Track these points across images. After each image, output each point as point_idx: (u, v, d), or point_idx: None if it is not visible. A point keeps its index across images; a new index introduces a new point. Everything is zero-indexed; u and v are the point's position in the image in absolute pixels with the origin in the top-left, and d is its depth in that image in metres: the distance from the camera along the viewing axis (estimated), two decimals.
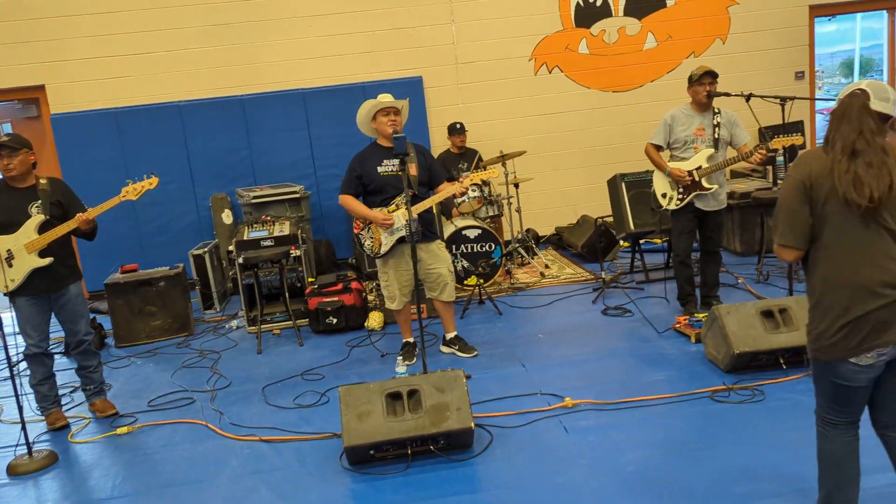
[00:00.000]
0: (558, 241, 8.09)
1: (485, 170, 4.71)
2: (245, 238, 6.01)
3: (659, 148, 5.13)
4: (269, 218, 6.48)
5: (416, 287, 4.34)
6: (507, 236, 7.60)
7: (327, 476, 3.55)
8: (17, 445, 4.03)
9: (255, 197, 7.05)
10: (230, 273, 7.18)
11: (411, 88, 7.78)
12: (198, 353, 5.63)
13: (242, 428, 4.18)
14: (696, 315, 4.99)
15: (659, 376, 4.33)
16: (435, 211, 5.05)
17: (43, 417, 4.46)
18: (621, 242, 7.25)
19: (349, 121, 7.74)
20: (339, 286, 5.88)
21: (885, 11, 9.25)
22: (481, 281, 6.30)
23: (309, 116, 7.89)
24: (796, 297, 4.38)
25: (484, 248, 6.54)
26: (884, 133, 2.37)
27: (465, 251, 6.51)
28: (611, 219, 6.94)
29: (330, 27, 7.88)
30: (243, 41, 7.78)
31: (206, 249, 6.79)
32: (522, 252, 7.33)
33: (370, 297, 6.22)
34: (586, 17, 8.23)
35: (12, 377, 3.97)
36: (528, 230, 7.72)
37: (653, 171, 5.37)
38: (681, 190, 5.02)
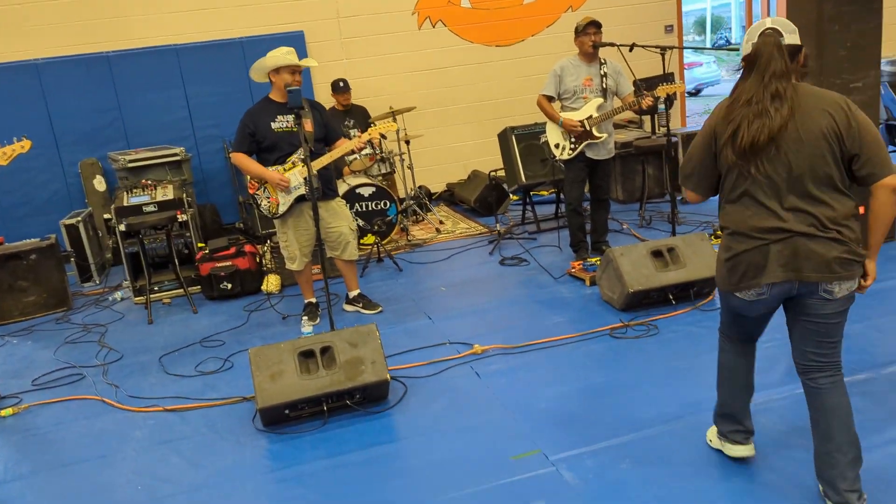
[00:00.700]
0: (450, 197, 8.17)
1: (375, 126, 4.65)
2: (125, 204, 5.65)
3: (550, 99, 5.25)
4: (149, 182, 6.12)
5: (319, 246, 4.25)
6: (400, 193, 7.58)
7: (241, 439, 3.46)
8: None
9: (130, 161, 6.62)
10: (109, 242, 6.75)
11: (293, 43, 7.41)
12: (81, 328, 5.28)
13: (142, 399, 3.99)
14: (588, 260, 5.21)
15: (560, 319, 4.50)
16: (331, 168, 4.94)
17: None
18: (512, 195, 7.41)
19: (228, 78, 7.46)
20: (232, 250, 5.67)
21: None
22: (378, 239, 6.27)
23: (184, 74, 7.46)
24: (682, 236, 4.65)
25: (379, 206, 6.49)
26: (790, 74, 2.39)
27: (359, 210, 6.44)
28: (501, 172, 7.07)
29: None
30: None
31: (79, 219, 6.33)
32: (417, 209, 7.34)
33: (266, 261, 6.05)
34: None
35: None
36: (420, 187, 7.73)
37: (543, 124, 5.50)
38: (573, 140, 5.18)
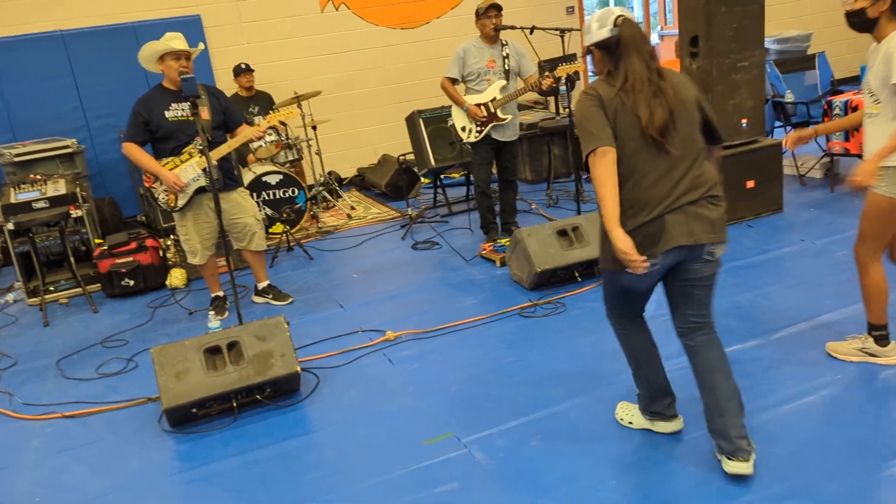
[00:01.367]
0: (361, 181, 8.10)
1: (277, 111, 4.55)
2: (13, 201, 5.34)
3: (454, 81, 5.26)
4: (39, 177, 5.79)
5: (222, 238, 4.14)
6: (309, 180, 7.46)
7: (147, 442, 3.36)
8: None
9: (17, 155, 6.24)
10: None
11: (189, 28, 7.20)
12: None
13: (39, 407, 3.80)
14: (498, 241, 5.29)
15: (471, 301, 4.55)
16: (233, 158, 4.80)
17: None
18: (423, 179, 7.41)
19: (122, 65, 7.11)
20: (133, 245, 5.45)
21: None
22: (287, 227, 6.16)
23: (72, 61, 7.07)
24: (586, 214, 4.78)
25: (287, 194, 6.37)
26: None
27: (267, 198, 6.31)
28: (411, 156, 7.06)
29: None
30: None
31: None
32: (327, 195, 7.25)
33: (169, 255, 5.85)
34: None
35: None
36: (330, 173, 7.63)
37: (450, 107, 5.51)
38: (478, 122, 5.21)
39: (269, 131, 6.36)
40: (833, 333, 3.55)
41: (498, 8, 5.13)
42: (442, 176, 6.93)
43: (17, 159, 6.22)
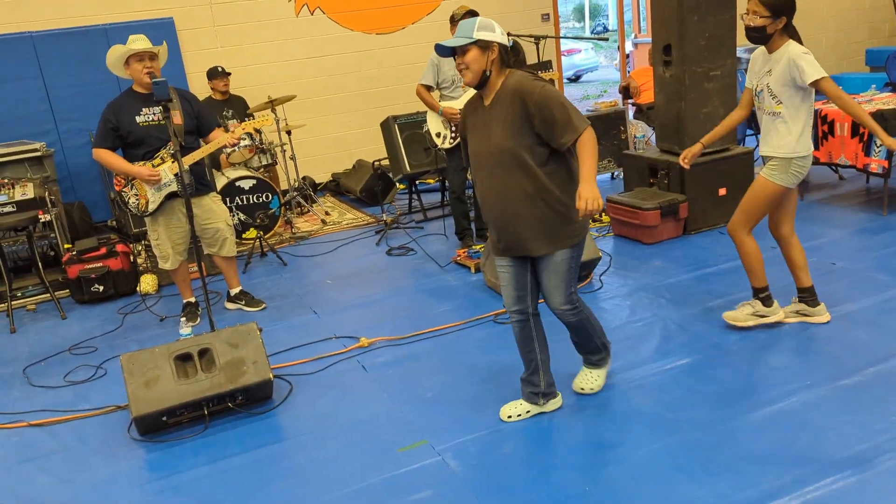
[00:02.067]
0: (336, 187, 8.06)
1: (253, 118, 4.52)
2: None
3: (429, 88, 5.26)
4: (6, 181, 5.68)
5: (194, 244, 4.09)
6: (283, 185, 7.41)
7: (116, 451, 3.30)
8: None
9: None
10: None
11: (162, 31, 7.16)
12: None
13: (4, 415, 3.72)
14: (473, 247, 5.29)
15: (446, 307, 4.55)
16: (207, 162, 4.75)
17: None
18: (398, 185, 7.40)
19: (92, 68, 7.02)
20: (103, 250, 5.37)
21: None
22: (261, 233, 6.11)
23: (41, 63, 6.97)
24: None
25: (261, 199, 6.32)
26: None
27: (240, 203, 6.25)
28: (387, 162, 7.04)
29: None
30: None
31: None
32: (301, 200, 7.20)
33: (140, 260, 5.77)
34: None
35: None
36: (304, 178, 7.59)
37: (425, 113, 5.51)
38: (454, 128, 5.22)
39: (243, 136, 6.30)
40: (800, 340, 3.61)
41: (473, 14, 5.14)
42: (417, 182, 6.92)
43: None
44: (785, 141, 3.46)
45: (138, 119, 4.26)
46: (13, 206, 5.32)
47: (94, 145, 4.32)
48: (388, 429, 3.24)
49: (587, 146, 2.72)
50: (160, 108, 3.82)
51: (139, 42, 4.20)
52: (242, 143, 6.34)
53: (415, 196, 6.88)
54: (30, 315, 5.24)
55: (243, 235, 6.18)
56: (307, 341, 4.24)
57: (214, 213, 4.54)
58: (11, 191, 5.48)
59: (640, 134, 6.28)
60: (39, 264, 5.37)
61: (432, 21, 8.46)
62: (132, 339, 4.57)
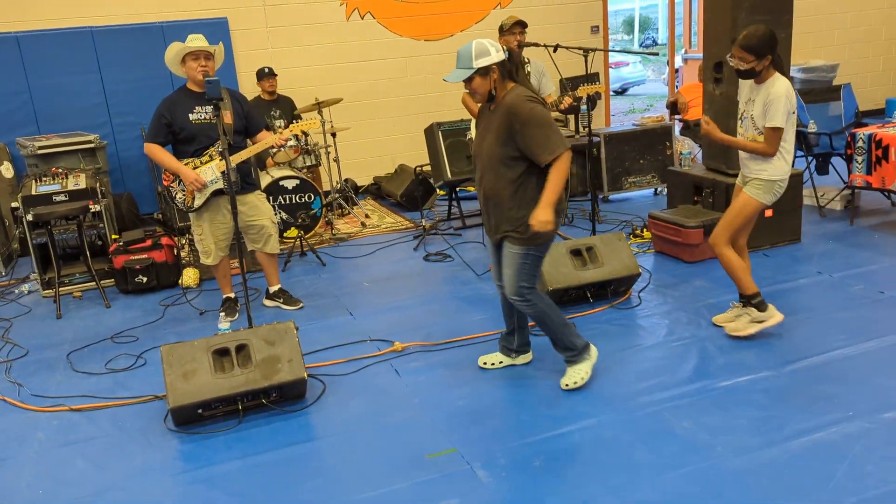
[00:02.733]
0: (377, 190, 8.12)
1: (300, 119, 4.58)
2: (34, 193, 5.39)
3: None
4: (60, 170, 5.85)
5: (236, 241, 4.15)
6: (325, 187, 7.49)
7: (152, 440, 3.37)
8: None
9: (41, 147, 6.32)
10: (16, 232, 6.43)
11: (216, 30, 7.32)
12: None
13: (47, 399, 3.83)
14: None
15: (480, 316, 4.54)
16: (252, 161, 4.83)
17: None
18: (438, 191, 7.42)
19: (148, 64, 7.19)
20: (148, 242, 5.49)
21: None
22: (302, 232, 6.18)
23: (100, 58, 7.16)
24: (600, 235, 4.76)
25: (303, 199, 6.40)
26: None
27: (283, 202, 6.33)
28: (428, 167, 7.07)
29: None
30: None
31: None
32: (342, 202, 7.27)
33: (183, 254, 5.89)
34: None
35: None
36: (346, 180, 7.66)
37: (469, 121, 5.52)
38: None
39: (290, 137, 6.38)
40: (844, 369, 3.51)
41: (523, 25, 5.15)
42: (457, 189, 6.93)
43: (39, 152, 6.30)
44: (767, 165, 3.71)
45: (191, 117, 4.35)
46: (65, 196, 5.47)
47: (146, 139, 4.42)
48: (417, 434, 3.25)
49: (556, 171, 3.16)
50: (212, 106, 3.89)
51: (197, 41, 4.30)
52: (288, 143, 6.43)
53: (454, 203, 6.89)
54: (75, 302, 5.38)
55: (284, 234, 6.26)
56: (342, 342, 4.28)
57: (259, 210, 4.61)
58: (64, 180, 5.63)
59: (687, 151, 6.20)
60: (87, 253, 5.51)
61: (481, 29, 8.48)
62: (172, 331, 4.66)
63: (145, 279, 5.42)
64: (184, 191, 4.41)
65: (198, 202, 4.41)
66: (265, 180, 6.29)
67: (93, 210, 5.49)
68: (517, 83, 3.26)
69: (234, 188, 3.96)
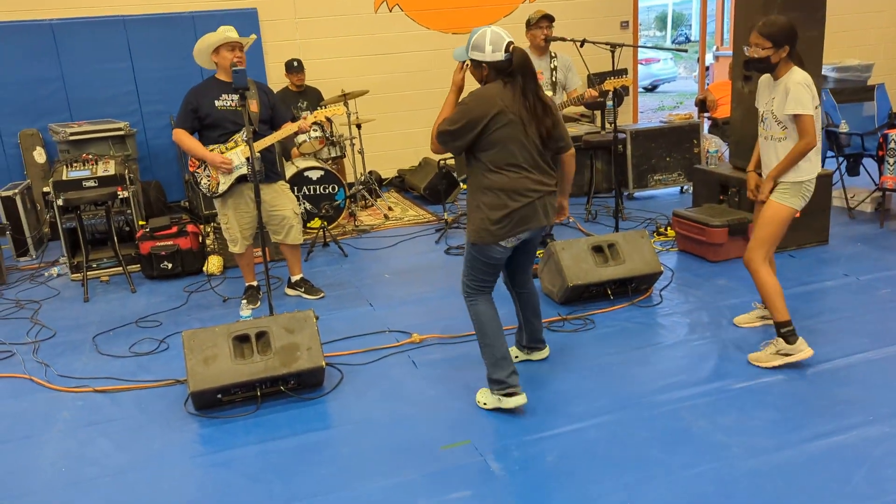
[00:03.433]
0: (400, 183, 8.15)
1: (326, 108, 4.62)
2: (64, 178, 5.50)
3: None
4: (90, 156, 5.95)
5: (260, 230, 4.20)
6: (349, 178, 7.53)
7: (172, 423, 3.43)
8: None
9: (72, 134, 6.45)
10: (47, 217, 6.57)
11: (246, 21, 7.39)
12: (14, 304, 5.14)
13: (72, 379, 3.91)
14: None
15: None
16: (278, 150, 4.88)
17: None
18: (461, 184, 7.42)
19: (178, 53, 7.28)
20: (174, 229, 5.57)
21: None
22: (325, 223, 6.23)
23: (131, 47, 7.27)
24: (622, 232, 4.73)
25: (327, 190, 6.44)
26: None
27: (307, 193, 6.38)
28: (452, 161, 7.08)
29: None
30: None
31: (16, 191, 6.14)
32: (366, 194, 7.31)
33: (208, 241, 5.96)
34: None
35: None
36: (370, 172, 7.69)
37: None
38: None
39: (315, 127, 6.44)
40: (866, 373, 3.46)
41: (550, 19, 5.13)
42: None
43: (71, 138, 6.42)
44: (800, 166, 3.52)
45: (217, 103, 4.41)
46: (95, 182, 5.57)
47: (174, 126, 4.50)
48: (432, 425, 3.26)
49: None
50: (238, 95, 3.94)
51: (231, 32, 4.35)
52: (314, 133, 6.48)
53: None
54: (102, 286, 5.48)
55: (308, 225, 6.31)
56: (361, 332, 4.31)
57: (282, 199, 4.66)
58: (94, 167, 5.73)
59: (714, 149, 6.13)
60: (115, 238, 5.61)
61: (509, 23, 8.45)
62: (195, 318, 4.73)
63: (170, 265, 5.50)
64: (209, 176, 4.48)
65: (222, 188, 4.47)
66: (290, 171, 6.34)
67: (121, 196, 5.58)
68: (501, 83, 3.17)
69: (258, 177, 4.01)
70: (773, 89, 3.57)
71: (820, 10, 5.03)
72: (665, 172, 6.98)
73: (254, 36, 4.54)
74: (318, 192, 6.41)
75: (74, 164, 5.76)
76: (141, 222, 5.86)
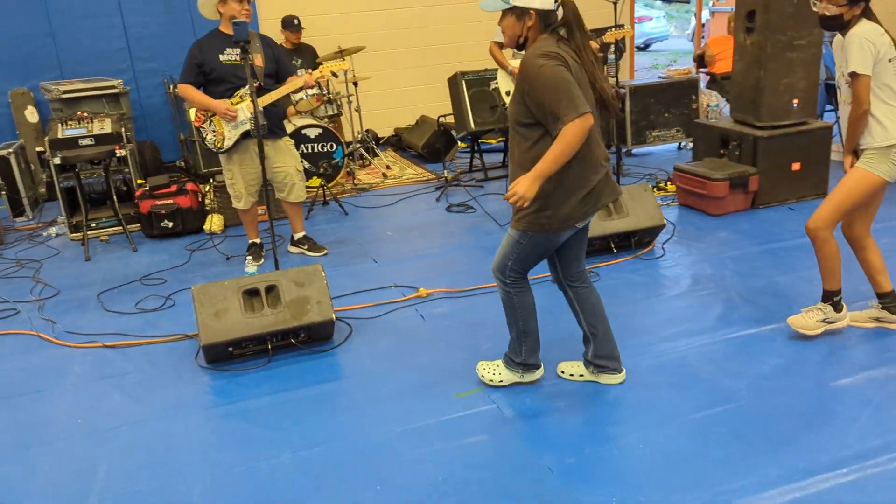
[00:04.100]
0: (398, 142, 8.10)
1: (322, 64, 4.58)
2: (60, 136, 5.43)
3: (501, 45, 5.22)
4: (86, 114, 5.87)
5: (264, 187, 4.18)
6: (347, 137, 7.47)
7: (184, 376, 3.45)
8: None
9: (65, 92, 6.35)
10: (42, 176, 6.50)
11: None
12: (14, 263, 5.11)
13: (81, 336, 3.92)
14: None
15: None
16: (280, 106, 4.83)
17: None
18: (459, 143, 7.40)
19: (170, 10, 7.14)
20: (174, 188, 5.54)
21: None
22: (324, 182, 6.20)
23: (121, 2, 7.12)
24: (626, 186, 4.73)
25: (325, 148, 6.40)
26: None
27: (305, 151, 6.34)
28: (450, 119, 7.03)
29: None
30: None
31: (10, 150, 6.06)
32: (363, 153, 7.26)
33: (208, 200, 5.93)
34: None
35: None
36: (367, 131, 7.64)
37: (494, 70, 5.48)
38: None
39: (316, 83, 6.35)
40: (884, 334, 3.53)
41: None
42: (480, 141, 6.90)
43: (64, 96, 6.32)
44: (875, 130, 3.17)
45: (221, 57, 4.36)
46: (91, 140, 5.50)
47: (179, 81, 4.44)
48: (444, 375, 3.30)
49: (560, 141, 2.54)
50: (240, 49, 3.89)
51: None
52: (310, 91, 6.40)
53: (476, 155, 6.87)
54: (102, 245, 5.45)
55: (307, 183, 6.26)
56: (367, 288, 4.33)
57: (286, 156, 4.63)
58: (90, 124, 5.66)
59: (714, 103, 6.13)
60: (114, 197, 5.57)
61: None
62: (199, 275, 4.73)
63: (171, 224, 5.47)
64: (214, 131, 4.44)
65: (227, 143, 4.44)
66: (287, 128, 6.27)
67: (119, 155, 5.52)
68: (555, 38, 2.66)
69: (263, 132, 3.98)
70: (843, 49, 3.20)
71: None
72: (664, 128, 6.98)
73: None
74: (316, 150, 6.37)
75: (69, 123, 5.67)
76: (139, 181, 5.81)
